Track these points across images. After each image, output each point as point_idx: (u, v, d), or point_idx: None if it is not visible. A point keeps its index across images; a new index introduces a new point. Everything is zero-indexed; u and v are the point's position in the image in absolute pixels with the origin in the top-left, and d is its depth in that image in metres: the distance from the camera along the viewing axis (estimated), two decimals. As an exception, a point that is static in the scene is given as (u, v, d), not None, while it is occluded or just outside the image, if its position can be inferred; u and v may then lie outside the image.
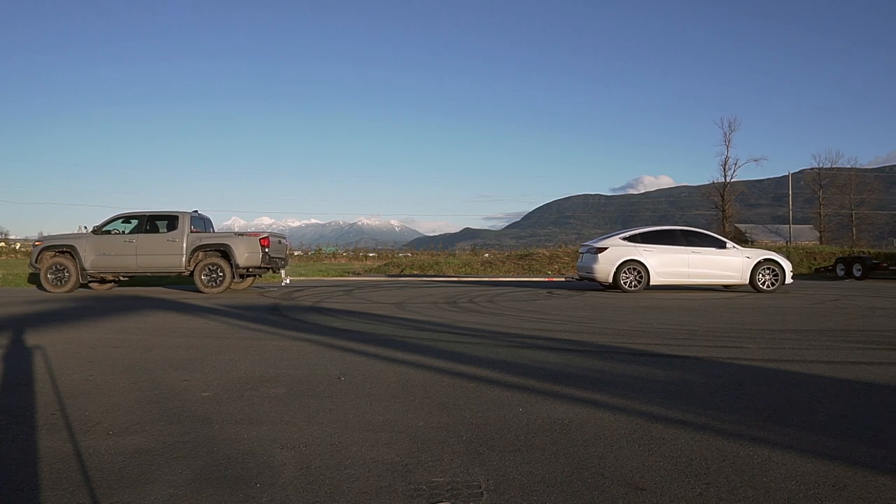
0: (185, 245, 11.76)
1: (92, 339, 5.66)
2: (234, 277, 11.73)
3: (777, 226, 66.94)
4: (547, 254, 25.01)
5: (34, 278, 14.79)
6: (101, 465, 2.36)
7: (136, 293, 12.19)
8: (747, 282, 12.16)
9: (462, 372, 4.08)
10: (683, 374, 4.07)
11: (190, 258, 11.75)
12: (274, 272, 12.90)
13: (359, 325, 6.90)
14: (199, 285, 11.63)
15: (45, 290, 11.85)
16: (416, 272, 22.84)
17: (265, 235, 12.04)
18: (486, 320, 7.30)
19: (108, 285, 12.88)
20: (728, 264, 12.17)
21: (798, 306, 9.19)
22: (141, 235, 11.90)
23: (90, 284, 12.33)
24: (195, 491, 2.11)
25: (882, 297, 10.94)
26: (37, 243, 12.28)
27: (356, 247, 42.47)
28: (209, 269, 11.62)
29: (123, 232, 12.13)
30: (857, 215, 54.42)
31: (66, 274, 11.72)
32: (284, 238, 13.43)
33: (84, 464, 2.38)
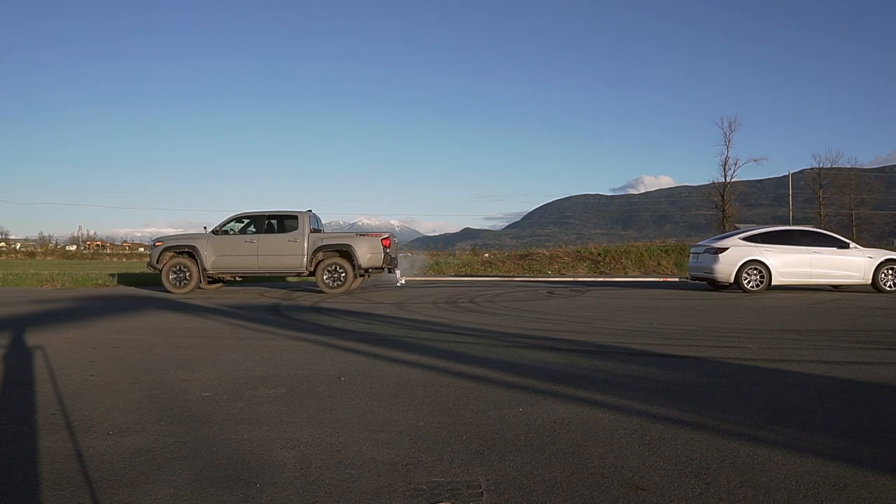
0: (306, 245, 11.76)
1: (92, 339, 5.66)
2: (355, 278, 11.75)
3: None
4: (547, 254, 25.02)
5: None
6: (102, 465, 2.36)
7: (137, 293, 12.20)
8: (869, 282, 12.02)
9: (462, 372, 4.08)
10: (683, 374, 4.07)
11: (311, 258, 11.75)
12: (390, 272, 12.85)
13: (359, 325, 6.90)
14: (322, 286, 11.64)
15: (166, 290, 11.75)
16: (415, 272, 22.85)
17: (386, 236, 12.11)
18: (486, 320, 7.30)
19: (217, 285, 12.87)
20: (850, 264, 12.03)
21: (798, 306, 9.18)
22: (262, 236, 11.87)
23: (199, 285, 12.22)
24: (195, 491, 2.11)
25: (882, 297, 10.93)
26: (157, 243, 12.13)
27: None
28: (331, 269, 11.64)
29: (235, 231, 12.09)
30: (858, 215, 54.37)
31: (188, 274, 11.66)
32: (395, 237, 13.38)
33: (84, 464, 2.38)
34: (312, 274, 11.81)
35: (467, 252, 33.97)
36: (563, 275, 21.17)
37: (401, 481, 2.19)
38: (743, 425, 2.85)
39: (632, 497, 2.05)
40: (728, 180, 51.18)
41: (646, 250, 24.39)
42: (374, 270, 12.09)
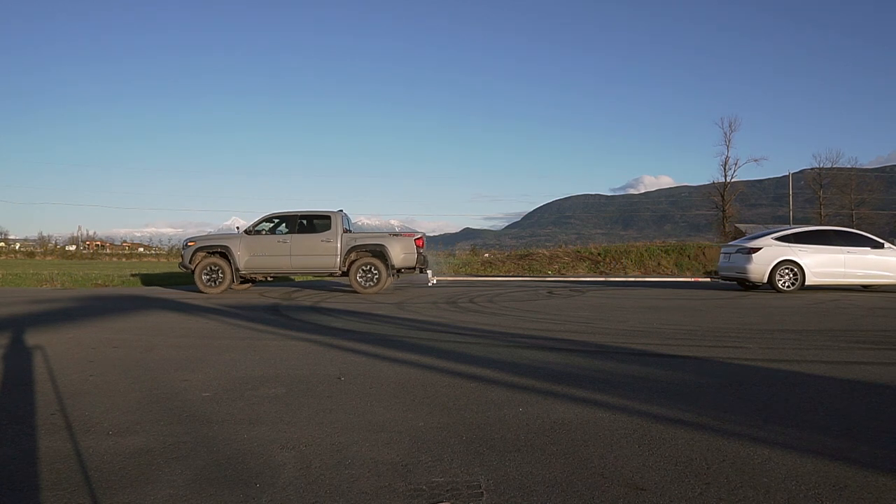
0: (339, 245, 11.77)
1: (92, 339, 5.66)
2: (388, 278, 11.77)
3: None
4: (547, 254, 25.02)
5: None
6: (101, 465, 2.36)
7: (136, 293, 12.19)
8: None
9: (462, 372, 4.08)
10: (683, 374, 4.07)
11: (345, 258, 11.76)
12: (421, 272, 12.87)
13: (359, 324, 6.90)
14: (355, 285, 11.65)
15: (199, 290, 11.70)
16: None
17: (419, 236, 12.14)
18: (486, 320, 7.30)
19: (247, 285, 12.86)
20: (885, 264, 12.01)
21: (798, 306, 9.18)
22: (295, 236, 11.86)
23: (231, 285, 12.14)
24: (195, 491, 2.11)
25: (882, 297, 10.93)
26: (189, 243, 12.08)
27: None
28: (365, 269, 11.67)
29: (267, 232, 12.06)
30: (858, 215, 54.37)
31: (220, 274, 11.62)
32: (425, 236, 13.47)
33: (84, 464, 2.38)
34: (345, 274, 11.83)
35: (467, 252, 33.94)
36: (563, 275, 21.18)
37: (401, 481, 2.19)
38: (743, 425, 2.85)
39: (632, 497, 2.05)
40: (728, 180, 51.28)
41: (646, 250, 24.40)
42: (407, 270, 12.11)
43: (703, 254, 23.69)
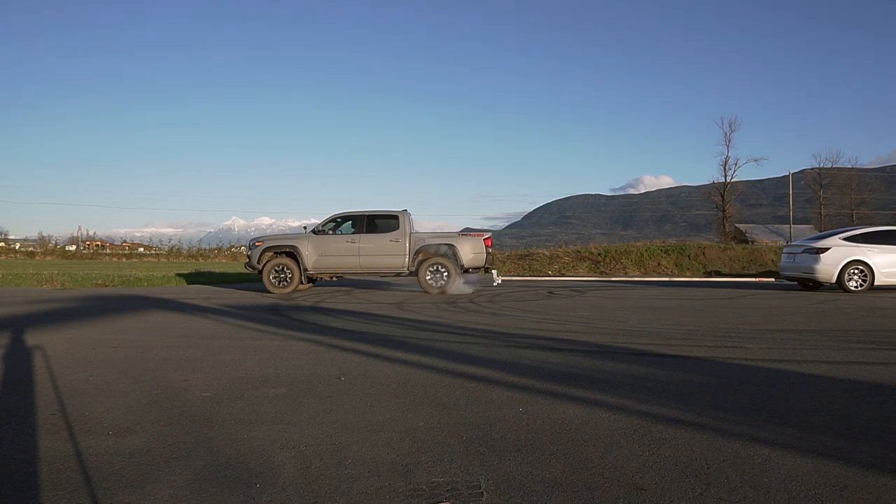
0: (408, 245, 11.74)
1: (92, 339, 5.66)
2: (457, 277, 11.75)
3: (777, 226, 66.83)
4: (547, 254, 25.01)
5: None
6: (101, 465, 2.36)
7: (136, 293, 12.20)
8: None
9: (462, 372, 4.08)
10: (683, 374, 4.07)
11: (413, 258, 11.72)
12: (486, 272, 12.85)
13: (359, 325, 6.90)
14: (424, 285, 11.61)
15: (267, 291, 11.68)
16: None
17: (488, 236, 12.10)
18: (486, 320, 7.30)
19: (308, 285, 12.85)
20: None
21: (798, 306, 9.18)
22: (363, 236, 11.82)
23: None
24: (195, 491, 2.11)
25: (882, 297, 10.93)
26: (257, 243, 12.05)
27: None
28: (434, 269, 11.63)
29: (334, 231, 12.05)
30: (858, 215, 54.43)
31: (289, 275, 11.61)
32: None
33: (84, 464, 2.38)
34: (413, 274, 11.80)
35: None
36: (563, 275, 21.19)
37: (401, 481, 2.19)
38: (743, 425, 2.85)
39: (632, 497, 2.05)
40: (728, 180, 51.39)
41: (646, 250, 24.38)
42: (475, 270, 12.09)
43: (703, 254, 23.67)
